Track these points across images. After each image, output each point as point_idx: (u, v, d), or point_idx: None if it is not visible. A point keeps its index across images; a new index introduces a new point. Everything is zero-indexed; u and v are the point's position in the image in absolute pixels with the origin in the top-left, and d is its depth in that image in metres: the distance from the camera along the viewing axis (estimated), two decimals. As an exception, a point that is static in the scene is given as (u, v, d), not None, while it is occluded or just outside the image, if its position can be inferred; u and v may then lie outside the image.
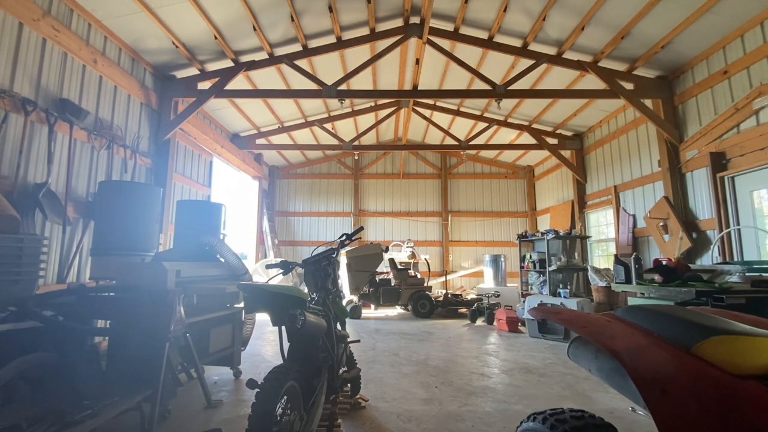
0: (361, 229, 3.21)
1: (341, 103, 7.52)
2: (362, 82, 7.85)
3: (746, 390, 0.97)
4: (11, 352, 2.07)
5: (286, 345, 2.20)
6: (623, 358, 1.15)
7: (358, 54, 6.84)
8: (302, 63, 6.56)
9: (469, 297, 9.02)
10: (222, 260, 3.78)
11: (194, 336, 2.98)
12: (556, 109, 7.82)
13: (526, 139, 8.97)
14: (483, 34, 6.17)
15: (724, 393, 0.99)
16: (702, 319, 1.23)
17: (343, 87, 6.62)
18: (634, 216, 6.77)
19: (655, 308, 1.40)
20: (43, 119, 3.94)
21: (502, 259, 9.58)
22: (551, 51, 6.08)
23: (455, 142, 9.09)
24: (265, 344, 5.43)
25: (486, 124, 8.92)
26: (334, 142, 9.45)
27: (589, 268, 6.56)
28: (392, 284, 8.58)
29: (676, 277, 3.32)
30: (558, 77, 6.68)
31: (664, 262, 3.59)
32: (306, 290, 2.75)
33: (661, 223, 5.76)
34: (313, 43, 6.35)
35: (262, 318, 6.81)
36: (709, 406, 0.99)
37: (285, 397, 1.85)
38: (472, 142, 9.19)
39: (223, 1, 4.98)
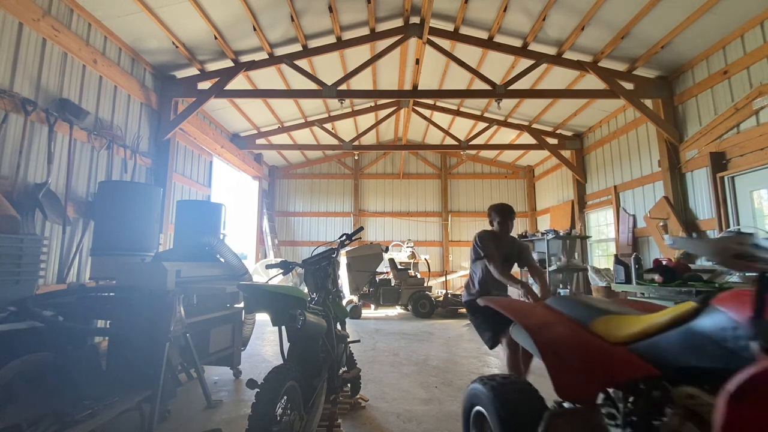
0: (361, 229, 3.21)
1: (341, 103, 7.52)
2: (362, 82, 7.84)
3: (616, 352, 1.35)
4: (11, 352, 2.07)
5: (286, 345, 2.20)
6: (532, 331, 1.54)
7: (358, 54, 6.83)
8: (302, 63, 6.56)
9: (469, 297, 9.00)
10: (222, 260, 3.78)
11: (194, 336, 2.98)
12: (556, 109, 7.82)
13: (526, 139, 8.96)
14: (483, 34, 6.16)
15: (601, 355, 1.37)
16: (598, 304, 1.65)
17: (343, 87, 6.62)
18: (634, 216, 6.77)
19: (570, 296, 1.84)
20: (43, 119, 3.94)
21: (502, 259, 9.55)
22: (551, 51, 6.07)
23: (455, 142, 9.09)
24: (265, 344, 5.43)
25: (486, 124, 8.92)
26: (334, 142, 9.44)
27: (589, 268, 6.56)
28: (392, 284, 8.58)
29: (676, 277, 3.32)
30: (558, 77, 6.67)
31: (664, 262, 3.59)
32: (306, 290, 2.75)
33: (661, 223, 5.76)
34: (313, 43, 6.35)
35: (262, 318, 6.80)
36: (590, 363, 1.36)
37: (285, 397, 1.85)
38: (472, 142, 9.19)
39: (223, 1, 4.98)
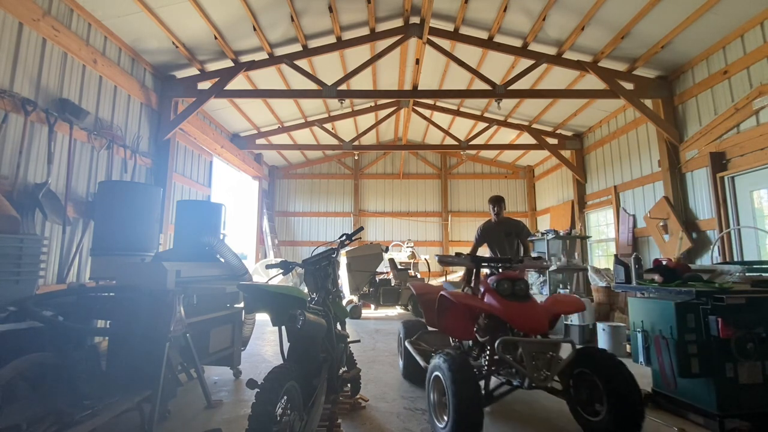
0: (361, 229, 3.21)
1: (341, 103, 7.52)
2: (362, 82, 7.84)
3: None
4: (11, 352, 2.07)
5: (286, 345, 2.20)
6: (418, 296, 3.35)
7: (358, 54, 6.83)
8: (302, 63, 6.55)
9: (469, 297, 8.99)
10: (222, 260, 3.78)
11: (194, 336, 2.98)
12: (556, 109, 7.82)
13: (526, 139, 8.96)
14: (483, 34, 6.16)
15: (448, 304, 2.73)
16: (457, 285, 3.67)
17: (343, 87, 6.61)
18: (634, 216, 6.77)
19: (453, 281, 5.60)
20: (43, 119, 3.94)
21: (502, 259, 9.56)
22: (551, 51, 6.07)
23: (455, 142, 9.09)
24: (265, 344, 5.43)
25: (486, 124, 8.92)
26: (334, 142, 9.44)
27: (589, 268, 6.55)
28: (392, 284, 8.57)
29: (676, 277, 3.32)
30: (558, 77, 6.67)
31: (664, 263, 3.59)
32: (306, 290, 2.75)
33: (661, 223, 5.76)
34: (313, 43, 6.35)
35: (262, 318, 6.80)
36: (438, 307, 2.81)
37: (285, 397, 1.85)
38: (472, 142, 9.19)
39: (223, 1, 4.98)
